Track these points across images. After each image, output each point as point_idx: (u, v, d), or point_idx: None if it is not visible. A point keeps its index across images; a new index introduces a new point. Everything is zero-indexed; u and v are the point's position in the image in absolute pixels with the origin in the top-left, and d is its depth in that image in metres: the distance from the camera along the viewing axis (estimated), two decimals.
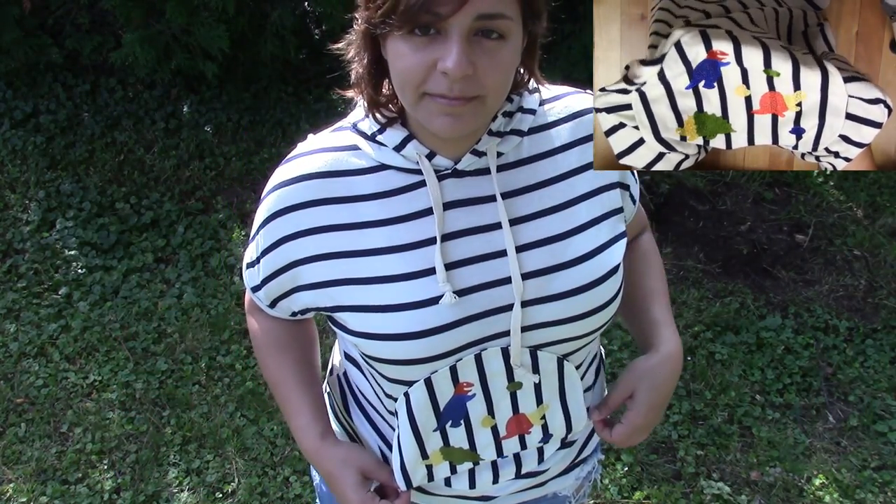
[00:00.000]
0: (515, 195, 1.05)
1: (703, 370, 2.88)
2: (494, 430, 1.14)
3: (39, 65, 3.89)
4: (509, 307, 1.03)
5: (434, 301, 1.02)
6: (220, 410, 2.72)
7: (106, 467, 2.56)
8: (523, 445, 1.17)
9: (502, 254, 1.03)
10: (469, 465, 1.17)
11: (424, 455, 1.14)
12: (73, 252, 3.26)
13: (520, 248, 1.04)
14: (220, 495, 2.49)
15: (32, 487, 2.49)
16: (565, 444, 1.22)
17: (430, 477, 1.18)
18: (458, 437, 1.13)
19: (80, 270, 3.21)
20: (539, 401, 1.12)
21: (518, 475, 1.20)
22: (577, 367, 1.14)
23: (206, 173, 3.61)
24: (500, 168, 1.05)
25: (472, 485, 1.20)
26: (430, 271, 1.02)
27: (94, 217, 3.39)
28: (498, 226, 1.03)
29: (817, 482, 2.55)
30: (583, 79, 3.43)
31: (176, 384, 2.81)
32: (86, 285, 3.15)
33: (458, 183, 1.04)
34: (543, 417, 1.15)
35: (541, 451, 1.20)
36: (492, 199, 1.04)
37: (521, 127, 1.06)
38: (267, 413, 2.71)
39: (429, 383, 1.07)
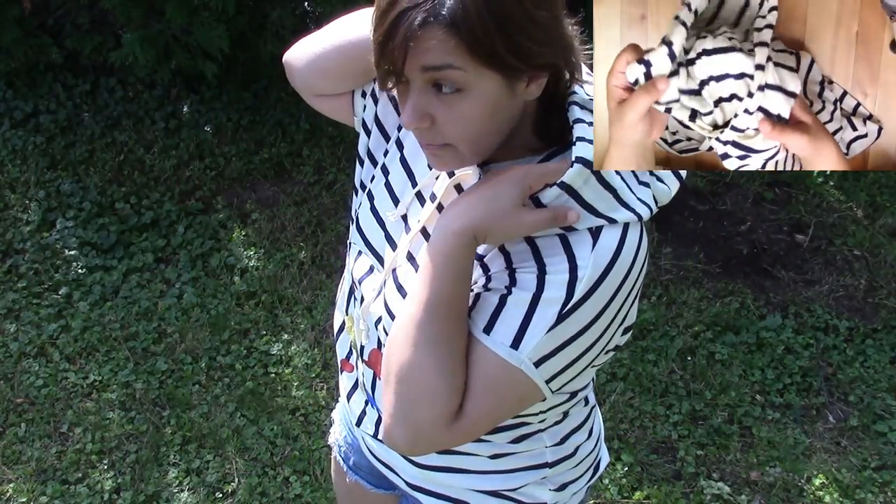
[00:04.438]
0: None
1: (703, 370, 2.88)
2: (362, 350, 1.23)
3: (39, 65, 3.89)
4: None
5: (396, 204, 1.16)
6: (220, 410, 2.72)
7: (106, 467, 2.56)
8: (373, 388, 1.24)
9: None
10: (356, 357, 1.26)
11: (346, 310, 1.28)
12: (73, 252, 3.26)
13: (426, 233, 1.11)
14: (220, 495, 2.49)
15: (32, 487, 2.49)
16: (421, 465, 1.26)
17: (338, 336, 1.32)
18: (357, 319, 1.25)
19: (80, 270, 3.21)
20: None
21: (375, 434, 1.29)
22: None
23: (206, 173, 3.61)
24: None
25: (349, 396, 1.33)
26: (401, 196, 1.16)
27: (94, 217, 3.39)
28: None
29: (817, 482, 2.55)
30: None
31: (176, 384, 2.81)
32: (86, 285, 3.15)
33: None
34: None
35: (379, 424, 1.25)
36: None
37: None
38: (267, 413, 2.71)
39: (348, 248, 1.25)
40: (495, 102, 0.92)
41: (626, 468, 2.58)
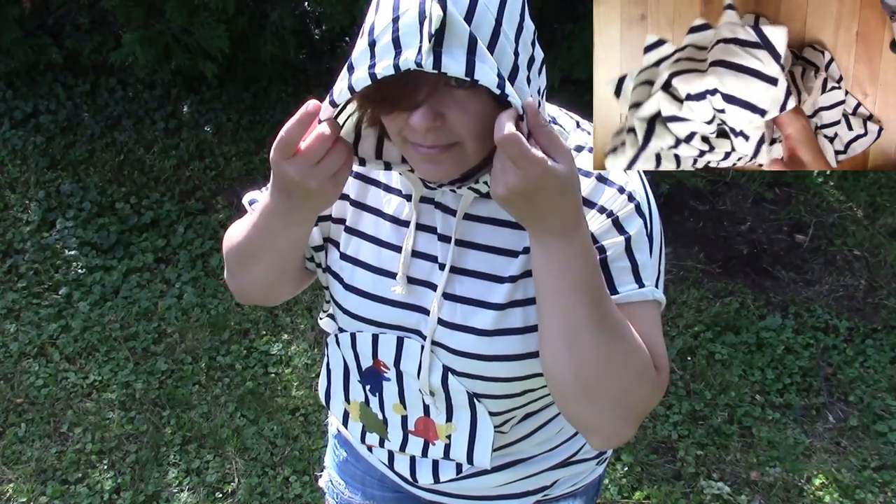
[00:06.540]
0: (475, 221, 1.06)
1: (703, 370, 2.88)
2: (405, 420, 1.20)
3: (39, 65, 3.89)
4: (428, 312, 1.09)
5: (391, 276, 1.10)
6: (220, 410, 2.72)
7: (106, 467, 2.56)
8: (425, 453, 1.21)
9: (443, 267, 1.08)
10: (377, 436, 1.24)
11: (347, 398, 1.23)
12: (73, 252, 3.26)
13: (456, 270, 1.07)
14: (220, 495, 2.49)
15: (32, 487, 2.49)
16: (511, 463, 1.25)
17: (345, 423, 1.27)
18: (375, 404, 1.21)
19: (80, 270, 3.21)
20: (449, 418, 1.16)
21: (436, 479, 1.25)
22: (494, 416, 1.15)
23: (206, 173, 3.61)
24: (480, 195, 1.05)
25: (391, 463, 1.27)
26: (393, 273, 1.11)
27: (94, 217, 3.40)
28: (448, 239, 1.08)
29: (817, 482, 2.55)
30: (582, 79, 3.43)
31: (176, 384, 2.81)
32: (86, 285, 3.15)
33: (434, 212, 1.08)
34: (449, 437, 1.18)
35: (459, 466, 1.23)
36: (448, 239, 1.08)
37: None
38: (267, 413, 2.71)
39: (353, 338, 1.15)
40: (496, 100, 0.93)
41: (626, 468, 2.58)
